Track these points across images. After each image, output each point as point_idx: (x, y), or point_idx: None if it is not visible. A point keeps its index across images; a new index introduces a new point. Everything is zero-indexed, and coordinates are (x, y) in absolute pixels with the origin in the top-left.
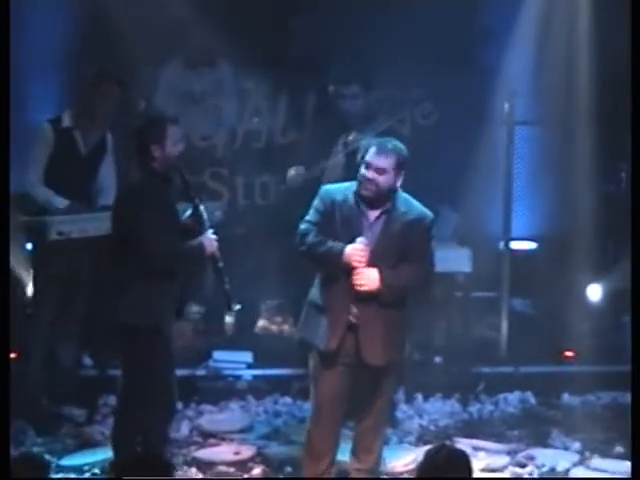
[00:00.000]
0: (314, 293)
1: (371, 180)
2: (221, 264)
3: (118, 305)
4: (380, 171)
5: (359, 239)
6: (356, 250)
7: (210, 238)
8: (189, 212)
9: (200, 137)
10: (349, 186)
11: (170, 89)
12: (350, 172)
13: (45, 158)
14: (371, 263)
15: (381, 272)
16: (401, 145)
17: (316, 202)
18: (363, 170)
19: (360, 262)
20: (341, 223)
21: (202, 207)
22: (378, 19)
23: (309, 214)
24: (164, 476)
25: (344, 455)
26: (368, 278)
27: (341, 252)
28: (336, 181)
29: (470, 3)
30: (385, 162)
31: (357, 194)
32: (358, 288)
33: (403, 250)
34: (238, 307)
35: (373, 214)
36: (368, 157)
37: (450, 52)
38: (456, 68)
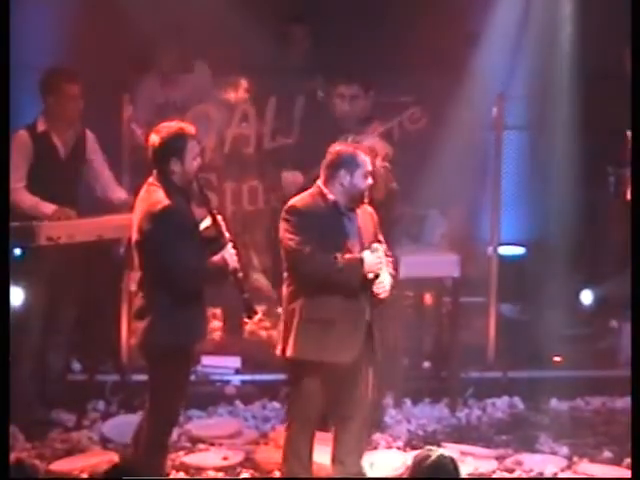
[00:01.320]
0: (307, 308)
1: (369, 185)
2: (240, 274)
3: (146, 325)
4: (370, 174)
5: (374, 245)
6: (377, 256)
7: (231, 252)
8: (205, 223)
9: None
10: (311, 197)
11: (152, 97)
12: None
13: (26, 164)
14: None
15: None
16: None
17: (296, 220)
18: (364, 179)
19: (381, 269)
20: (321, 234)
21: (220, 218)
22: (367, 24)
23: (298, 235)
24: None
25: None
26: (388, 283)
27: (361, 262)
28: None
29: (457, 8)
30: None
31: (337, 205)
32: (380, 295)
33: (375, 237)
34: (259, 316)
35: (350, 217)
36: (366, 166)
37: (438, 56)
38: (444, 72)
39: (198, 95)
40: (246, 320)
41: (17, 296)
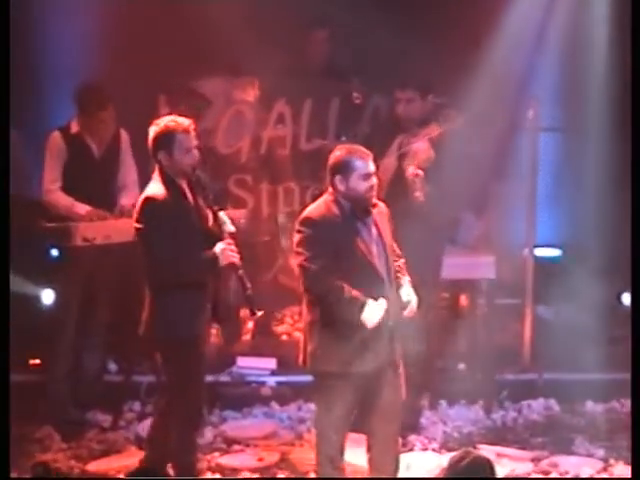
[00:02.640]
0: (326, 317)
1: (373, 187)
2: (241, 271)
3: (150, 319)
4: (374, 174)
5: (381, 300)
6: (380, 309)
7: (223, 248)
8: (208, 217)
9: (224, 143)
10: (325, 205)
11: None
12: (399, 172)
13: (60, 165)
14: (389, 269)
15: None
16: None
17: (309, 233)
18: (363, 182)
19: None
20: (337, 243)
21: (222, 214)
22: (404, 25)
23: (309, 250)
24: None
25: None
26: (413, 304)
27: (362, 307)
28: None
29: (496, 10)
30: (373, 165)
31: (352, 208)
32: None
33: (392, 244)
34: (260, 313)
35: (366, 221)
36: (362, 169)
37: (476, 59)
38: (482, 75)
39: (238, 98)
40: (250, 317)
41: (53, 296)
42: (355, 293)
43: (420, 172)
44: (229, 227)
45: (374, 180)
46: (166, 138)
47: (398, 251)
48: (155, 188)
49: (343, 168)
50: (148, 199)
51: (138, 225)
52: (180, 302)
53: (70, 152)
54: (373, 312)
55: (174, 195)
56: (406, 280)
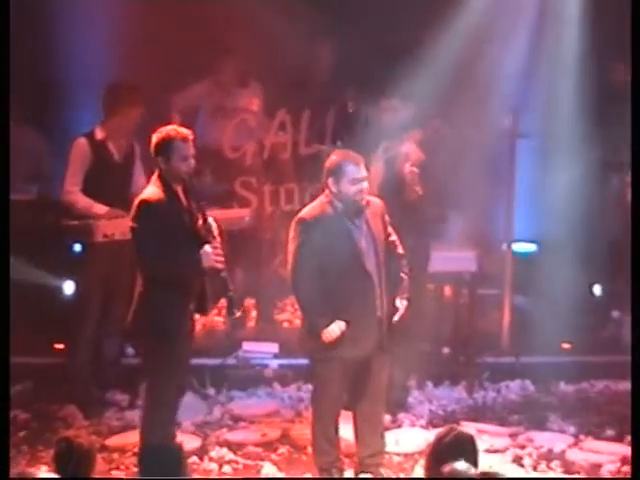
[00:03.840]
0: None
1: (364, 190)
2: (224, 274)
3: (136, 310)
4: (365, 179)
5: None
6: (338, 330)
7: (208, 252)
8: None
9: (231, 148)
10: (320, 206)
11: (204, 105)
12: (387, 175)
13: (83, 170)
14: (378, 265)
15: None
16: None
17: (302, 234)
18: (352, 186)
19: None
20: (331, 241)
21: (211, 220)
22: (391, 44)
23: (299, 251)
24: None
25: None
26: (402, 309)
27: (326, 325)
28: (378, 183)
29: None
30: (364, 170)
31: (344, 209)
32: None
33: (387, 239)
34: (239, 314)
35: (357, 221)
36: (352, 174)
37: (460, 74)
38: (465, 87)
39: (247, 107)
40: (228, 317)
41: (76, 288)
42: (324, 309)
43: (416, 169)
44: (214, 232)
45: (364, 185)
46: (166, 145)
47: (400, 251)
48: (151, 191)
49: (335, 172)
50: (143, 201)
51: (132, 224)
52: (163, 297)
53: (94, 158)
54: (332, 331)
55: (168, 198)
56: (404, 286)
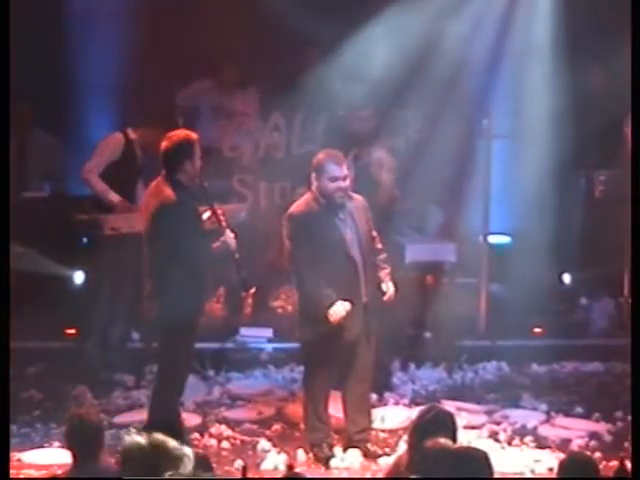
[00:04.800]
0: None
1: (344, 188)
2: (237, 255)
3: (158, 305)
4: (345, 178)
5: (346, 303)
6: (343, 310)
7: (231, 236)
8: (207, 215)
9: (229, 148)
10: (306, 202)
11: (206, 107)
12: (358, 182)
13: (108, 160)
14: (363, 254)
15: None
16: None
17: (292, 227)
18: (330, 183)
19: (341, 320)
20: (316, 234)
21: (219, 211)
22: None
23: (293, 241)
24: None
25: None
26: (390, 290)
27: (331, 304)
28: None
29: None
30: (345, 169)
31: (326, 204)
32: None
33: (370, 232)
34: (253, 290)
35: (341, 215)
36: (331, 172)
37: (437, 80)
38: (443, 93)
39: (244, 109)
40: (243, 294)
41: (86, 277)
42: (328, 291)
43: (393, 176)
44: (223, 221)
45: (342, 183)
46: (189, 147)
47: (380, 246)
48: (170, 192)
49: (317, 169)
50: (173, 202)
51: (159, 224)
52: (189, 290)
53: (121, 154)
54: (338, 310)
55: (187, 197)
56: (386, 272)
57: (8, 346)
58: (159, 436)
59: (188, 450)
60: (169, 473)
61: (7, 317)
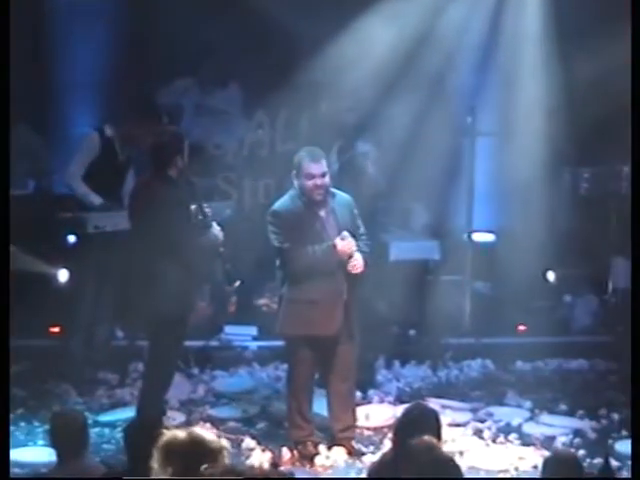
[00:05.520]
0: (293, 292)
1: (321, 185)
2: (222, 249)
3: (150, 300)
4: (323, 175)
5: (344, 233)
6: (347, 242)
7: (218, 229)
8: (194, 209)
9: (214, 146)
10: (289, 198)
11: (190, 105)
12: (342, 175)
13: (88, 160)
14: None
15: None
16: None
17: (276, 222)
18: (307, 181)
19: (353, 250)
20: (300, 230)
21: (206, 205)
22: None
23: (279, 235)
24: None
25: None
26: (360, 260)
27: (334, 247)
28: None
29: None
30: (323, 166)
31: (307, 201)
32: (355, 271)
33: (352, 231)
34: (238, 283)
35: (323, 211)
36: (308, 169)
37: (424, 77)
38: (428, 90)
39: (227, 107)
40: (227, 287)
41: (70, 275)
42: (323, 245)
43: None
44: (210, 216)
45: (319, 180)
46: (181, 144)
47: (362, 230)
48: (163, 188)
49: (296, 167)
50: (166, 196)
51: (152, 219)
52: (180, 285)
53: (101, 151)
54: (344, 246)
55: (176, 192)
56: (363, 244)
57: (8, 346)
58: (196, 430)
59: (226, 442)
60: (205, 466)
61: (7, 317)
